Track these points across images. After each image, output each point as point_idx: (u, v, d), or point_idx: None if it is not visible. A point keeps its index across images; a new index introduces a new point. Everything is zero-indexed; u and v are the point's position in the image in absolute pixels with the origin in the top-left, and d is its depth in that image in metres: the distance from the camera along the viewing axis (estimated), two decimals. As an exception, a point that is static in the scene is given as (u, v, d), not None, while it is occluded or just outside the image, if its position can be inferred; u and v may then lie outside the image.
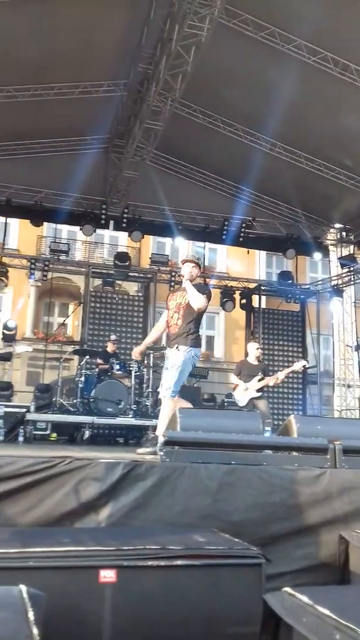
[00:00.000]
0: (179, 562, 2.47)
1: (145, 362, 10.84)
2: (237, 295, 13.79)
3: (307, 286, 15.03)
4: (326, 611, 1.73)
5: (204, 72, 8.79)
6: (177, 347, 4.90)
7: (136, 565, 2.41)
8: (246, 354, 8.92)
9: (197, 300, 4.93)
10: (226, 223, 12.43)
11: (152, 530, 2.95)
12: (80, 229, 12.04)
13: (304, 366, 9.80)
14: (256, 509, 3.33)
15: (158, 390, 5.18)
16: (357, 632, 1.56)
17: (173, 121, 9.84)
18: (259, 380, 8.21)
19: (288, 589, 2.00)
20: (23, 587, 1.82)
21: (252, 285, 14.18)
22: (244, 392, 8.20)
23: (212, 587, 2.52)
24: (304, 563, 3.36)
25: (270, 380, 8.36)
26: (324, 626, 1.69)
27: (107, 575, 2.36)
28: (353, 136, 10.05)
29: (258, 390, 8.23)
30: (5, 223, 13.04)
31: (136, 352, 5.76)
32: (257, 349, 8.53)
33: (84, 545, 2.47)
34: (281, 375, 8.50)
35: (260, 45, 8.32)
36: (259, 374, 8.27)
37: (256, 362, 8.45)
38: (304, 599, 1.87)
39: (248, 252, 14.39)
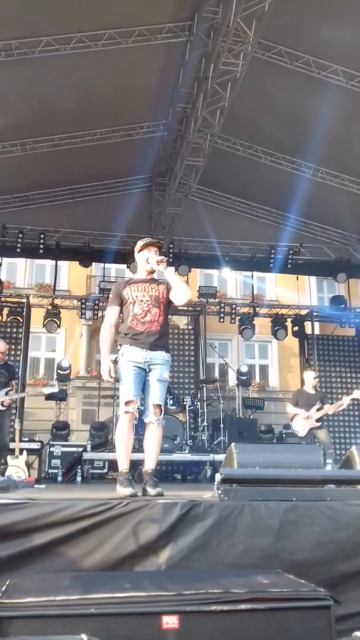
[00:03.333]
0: (242, 607, 2.38)
1: (199, 395, 10.79)
2: (288, 323, 13.61)
3: (360, 309, 14.69)
4: None
5: (241, 106, 8.91)
6: (165, 352, 4.20)
7: (199, 611, 2.33)
8: (302, 383, 8.77)
9: (186, 294, 4.19)
10: (273, 251, 12.38)
11: (214, 573, 2.86)
12: (127, 267, 12.25)
13: None
14: (321, 548, 3.20)
15: (139, 408, 4.40)
16: None
17: (214, 155, 9.97)
18: (318, 409, 8.05)
19: (358, 634, 1.88)
20: (84, 637, 1.78)
21: (303, 312, 13.97)
22: (304, 421, 8.03)
23: (278, 631, 2.41)
24: (377, 603, 3.18)
25: (330, 409, 8.20)
26: None
27: (170, 621, 2.29)
28: None
29: (317, 420, 8.06)
30: (56, 266, 13.42)
31: (109, 373, 4.20)
32: (315, 378, 8.40)
33: (145, 590, 2.41)
34: (345, 402, 8.31)
35: (296, 75, 8.39)
36: (318, 403, 8.11)
37: (313, 391, 8.31)
38: (378, 646, 1.75)
39: (297, 279, 14.23)
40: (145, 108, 9.79)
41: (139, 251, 4.37)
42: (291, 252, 12.50)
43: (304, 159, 10.45)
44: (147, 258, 4.30)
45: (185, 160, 9.59)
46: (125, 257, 12.08)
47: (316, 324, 14.50)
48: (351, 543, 3.23)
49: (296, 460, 3.76)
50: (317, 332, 14.45)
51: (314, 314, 14.06)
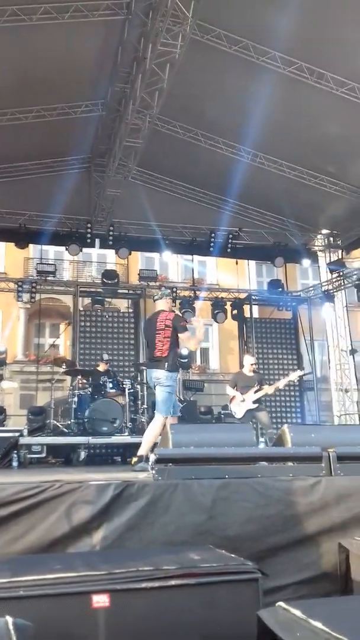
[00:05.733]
0: (173, 582, 2.42)
1: (139, 378, 10.80)
2: (228, 307, 13.79)
3: (297, 293, 15.06)
4: (319, 624, 1.70)
5: (181, 88, 8.87)
6: None
7: (129, 588, 2.36)
8: (241, 366, 8.96)
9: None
10: (213, 235, 12.47)
11: (146, 551, 2.90)
12: (66, 249, 12.05)
13: (300, 376, 9.84)
14: (252, 523, 3.29)
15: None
16: (350, 646, 1.52)
17: (154, 137, 9.90)
18: (256, 391, 8.25)
19: (282, 604, 1.96)
20: (9, 619, 1.77)
21: (242, 296, 14.20)
22: (241, 403, 8.21)
23: (208, 605, 2.47)
24: (304, 575, 3.31)
25: (269, 390, 8.43)
26: (318, 640, 1.66)
27: (100, 600, 2.31)
28: (333, 143, 10.13)
29: (255, 402, 8.25)
30: (-9, 247, 13.05)
31: None
32: (252, 364, 8.59)
33: (75, 570, 2.42)
34: (280, 384, 8.59)
35: (236, 59, 8.40)
36: (255, 385, 8.31)
37: (252, 374, 8.50)
38: (298, 613, 1.83)
39: (237, 263, 14.40)
40: (83, 87, 9.58)
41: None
42: (231, 236, 12.62)
43: (243, 144, 10.53)
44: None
45: (124, 141, 9.48)
46: (64, 238, 11.88)
47: (255, 308, 14.80)
48: (281, 517, 3.34)
49: (230, 439, 3.84)
50: (255, 315, 14.75)
51: (253, 297, 14.33)
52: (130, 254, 12.79)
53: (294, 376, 8.91)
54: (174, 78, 8.10)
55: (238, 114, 9.69)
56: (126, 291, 14.07)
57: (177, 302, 13.20)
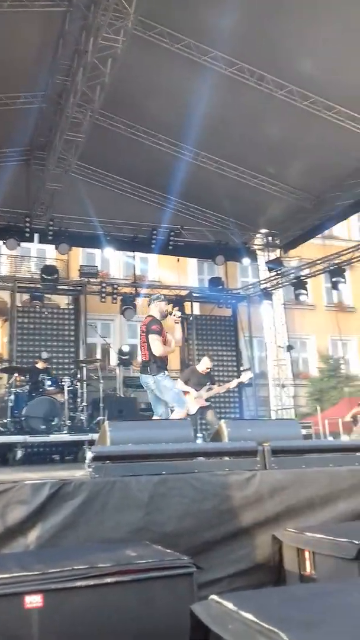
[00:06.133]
0: (108, 580, 2.42)
1: (79, 375, 10.69)
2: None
3: (237, 291, 15.30)
4: (250, 616, 1.73)
5: (123, 83, 8.82)
6: None
7: (64, 588, 2.34)
8: (196, 364, 9.14)
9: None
10: (154, 232, 12.48)
11: (82, 549, 2.87)
12: (4, 243, 11.74)
13: (250, 378, 10.07)
14: (189, 518, 3.32)
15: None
16: (279, 635, 1.56)
17: (96, 132, 9.78)
18: (208, 389, 8.42)
19: (215, 597, 1.98)
20: None
21: (183, 293, 14.29)
22: (194, 400, 8.35)
23: (143, 601, 2.48)
24: (239, 567, 3.38)
25: (220, 389, 8.64)
26: (249, 631, 1.69)
27: (33, 601, 2.27)
28: (273, 144, 10.35)
29: (206, 400, 8.46)
30: None
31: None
32: (208, 368, 8.72)
33: (8, 571, 2.37)
34: (233, 383, 8.96)
35: (178, 57, 8.43)
36: (208, 383, 8.50)
37: (204, 374, 8.67)
38: (230, 605, 1.86)
39: (178, 260, 14.50)
40: (22, 78, 9.34)
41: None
42: (172, 233, 12.68)
43: (185, 142, 10.58)
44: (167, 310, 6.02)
45: (65, 134, 9.32)
46: (1, 232, 11.58)
47: (195, 305, 14.93)
48: (217, 512, 3.39)
49: (168, 435, 3.86)
50: (196, 312, 14.88)
51: (194, 295, 14.45)
52: (70, 249, 12.61)
53: (245, 377, 9.15)
54: (116, 73, 8.03)
55: (180, 112, 9.73)
56: (66, 287, 13.88)
57: (119, 298, 13.15)
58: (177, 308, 6.46)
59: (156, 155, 10.80)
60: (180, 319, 6.27)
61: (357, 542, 2.58)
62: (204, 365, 8.70)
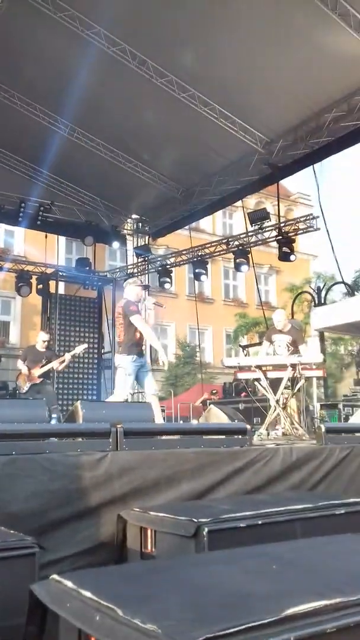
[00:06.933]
0: None
1: None
2: (33, 280, 13.43)
3: (104, 273, 15.25)
4: (88, 594, 1.78)
5: (1, 45, 8.34)
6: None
7: None
8: (36, 342, 8.96)
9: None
10: (23, 205, 12.00)
11: None
12: None
13: (84, 349, 9.97)
14: (36, 498, 3.29)
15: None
16: (115, 611, 1.63)
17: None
18: (41, 366, 8.28)
19: (55, 576, 2.01)
20: None
21: (49, 271, 13.92)
22: (26, 378, 8.20)
23: (-18, 583, 2.43)
24: (83, 546, 3.42)
25: (55, 364, 8.46)
26: (86, 609, 1.74)
27: None
28: (149, 131, 10.43)
29: (40, 376, 8.28)
30: None
31: None
32: (45, 341, 8.57)
33: None
34: (67, 357, 8.63)
35: (60, 27, 8.16)
36: (43, 360, 8.34)
37: (43, 349, 8.50)
38: (69, 584, 1.89)
39: (46, 237, 14.06)
40: None
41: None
42: (42, 208, 12.27)
43: (61, 116, 10.29)
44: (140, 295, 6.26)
45: None
46: None
47: (61, 284, 14.64)
48: (65, 491, 3.39)
49: (20, 415, 3.79)
50: (61, 291, 14.60)
51: (60, 273, 14.16)
52: None
53: (79, 349, 9.04)
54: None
55: (59, 84, 9.43)
56: None
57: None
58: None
59: (29, 124, 10.38)
60: (154, 305, 6.36)
61: (196, 520, 2.73)
62: (40, 340, 8.60)
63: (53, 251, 16.46)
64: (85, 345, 9.67)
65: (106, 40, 8.39)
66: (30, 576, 2.54)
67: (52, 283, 13.76)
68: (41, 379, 8.27)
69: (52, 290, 13.76)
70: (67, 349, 12.80)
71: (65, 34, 8.28)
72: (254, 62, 8.47)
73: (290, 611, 1.51)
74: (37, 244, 16.18)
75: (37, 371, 8.22)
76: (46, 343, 8.60)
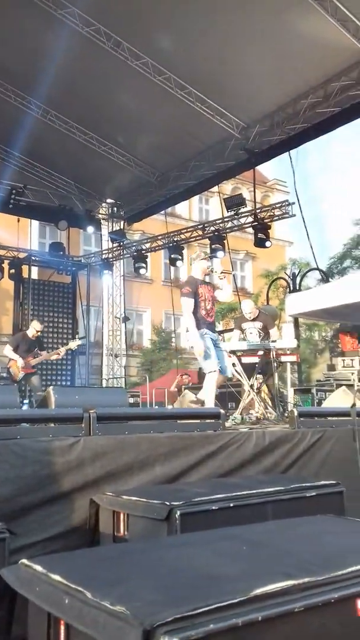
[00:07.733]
0: None
1: None
2: (5, 265, 13.22)
3: (78, 258, 15.10)
4: (57, 577, 1.77)
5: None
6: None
7: None
8: (24, 328, 9.04)
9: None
10: (-6, 187, 11.76)
11: None
12: None
13: (79, 345, 10.08)
14: (7, 484, 3.26)
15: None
16: (84, 594, 1.62)
17: None
18: (35, 356, 8.38)
19: (25, 561, 1.99)
20: None
21: (22, 255, 13.72)
22: (22, 367, 8.27)
23: None
24: (55, 530, 3.40)
25: (49, 356, 8.67)
26: (55, 592, 1.73)
27: None
28: (124, 114, 10.30)
29: (33, 366, 8.42)
30: None
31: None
32: (38, 331, 8.64)
33: None
34: (62, 351, 8.99)
35: (32, 5, 7.96)
36: (36, 350, 8.41)
37: (34, 338, 8.59)
38: (39, 568, 1.88)
39: (19, 221, 13.83)
40: None
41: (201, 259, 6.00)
42: (14, 191, 12.03)
43: (34, 97, 10.08)
44: (208, 267, 5.97)
45: None
46: None
47: (34, 269, 14.47)
48: (36, 477, 3.37)
49: (-9, 401, 3.74)
50: (34, 276, 14.43)
51: (33, 258, 13.97)
52: None
53: (73, 345, 9.21)
54: None
55: (32, 65, 9.23)
56: None
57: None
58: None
59: (1, 106, 10.14)
60: (224, 274, 6.11)
61: (168, 503, 2.74)
62: (33, 329, 8.63)
63: (26, 235, 16.23)
64: (79, 342, 9.75)
65: (80, 20, 8.22)
66: (0, 561, 2.53)
67: (24, 268, 13.56)
68: (35, 369, 8.39)
69: (25, 275, 13.56)
70: (42, 335, 12.73)
71: (38, 13, 8.08)
72: (232, 46, 8.40)
73: (259, 591, 1.52)
74: (9, 228, 15.89)
75: (33, 361, 8.33)
76: (39, 333, 8.64)
